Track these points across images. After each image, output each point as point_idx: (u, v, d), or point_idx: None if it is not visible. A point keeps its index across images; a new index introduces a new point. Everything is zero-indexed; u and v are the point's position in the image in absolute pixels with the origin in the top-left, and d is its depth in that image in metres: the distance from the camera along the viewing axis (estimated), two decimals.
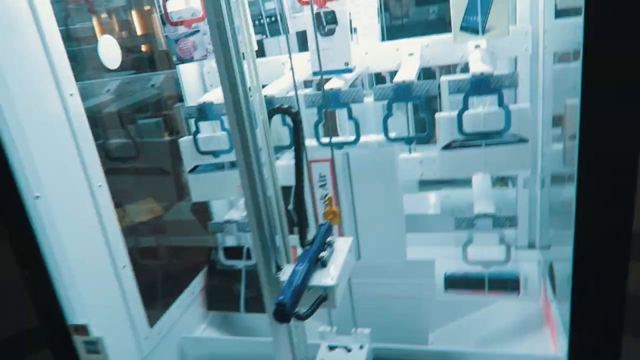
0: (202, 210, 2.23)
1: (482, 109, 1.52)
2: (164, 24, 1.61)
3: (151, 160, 2.03)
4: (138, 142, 1.93)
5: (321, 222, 1.36)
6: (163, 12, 1.57)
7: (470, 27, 1.42)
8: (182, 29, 1.62)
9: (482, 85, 1.41)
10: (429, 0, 3.32)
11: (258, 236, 1.16)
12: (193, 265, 2.14)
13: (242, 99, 1.06)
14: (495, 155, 1.51)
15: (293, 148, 1.21)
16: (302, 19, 2.24)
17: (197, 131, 1.72)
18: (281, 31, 2.20)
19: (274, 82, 1.73)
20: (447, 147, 1.55)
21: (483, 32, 1.41)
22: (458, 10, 1.41)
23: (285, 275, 1.17)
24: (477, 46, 1.66)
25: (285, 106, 1.17)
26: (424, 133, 1.57)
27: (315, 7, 1.50)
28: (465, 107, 1.46)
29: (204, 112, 1.66)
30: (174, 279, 2.11)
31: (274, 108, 1.17)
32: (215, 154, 1.74)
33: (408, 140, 1.56)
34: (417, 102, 1.49)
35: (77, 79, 1.84)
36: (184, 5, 1.58)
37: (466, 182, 2.40)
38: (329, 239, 1.25)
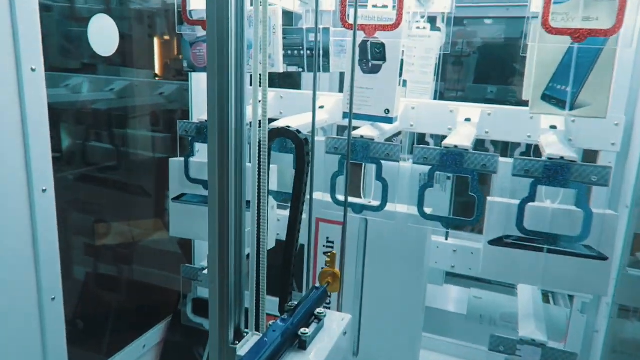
0: (186, 247, 1.90)
1: (550, 204, 1.17)
2: (180, 22, 1.34)
3: (134, 175, 1.72)
4: (122, 152, 1.63)
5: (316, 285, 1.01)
6: (181, 7, 1.31)
7: (554, 98, 1.09)
8: (201, 31, 1.35)
9: (561, 173, 1.06)
10: (489, 79, 3.08)
11: (218, 287, 0.85)
12: (155, 310, 1.78)
13: (233, 127, 0.79)
14: (559, 268, 1.14)
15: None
16: (347, 59, 1.98)
17: (192, 154, 1.42)
18: (318, 66, 1.96)
19: (296, 116, 1.42)
20: (496, 241, 1.18)
21: (571, 107, 1.07)
22: (543, 73, 1.08)
23: (244, 348, 0.84)
24: (553, 127, 1.32)
25: (288, 127, 0.87)
26: (467, 217, 1.21)
27: (361, 35, 1.20)
28: (531, 196, 1.10)
29: (203, 132, 1.36)
30: (128, 323, 1.74)
31: (275, 129, 0.89)
32: (207, 184, 1.42)
33: (447, 222, 1.20)
34: (468, 176, 1.15)
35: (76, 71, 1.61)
36: None
37: (502, 284, 2.01)
38: (319, 310, 0.91)
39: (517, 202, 1.14)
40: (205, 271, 1.57)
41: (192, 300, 1.65)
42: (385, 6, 1.21)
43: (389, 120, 1.24)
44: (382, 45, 1.19)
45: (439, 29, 1.77)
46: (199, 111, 1.61)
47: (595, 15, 1.01)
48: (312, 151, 1.10)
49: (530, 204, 1.11)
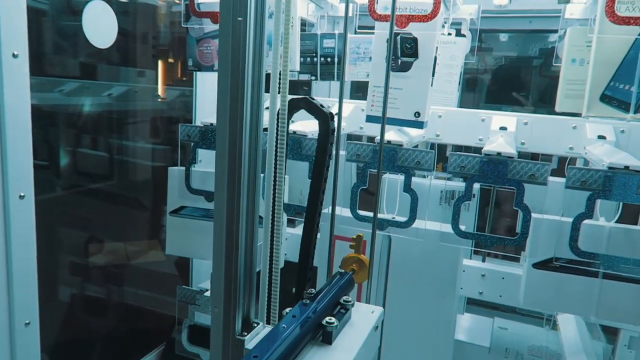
0: (183, 267, 1.73)
1: (605, 222, 1.02)
2: (187, 16, 1.21)
3: (130, 187, 1.56)
4: (117, 160, 1.47)
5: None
6: None
7: (616, 99, 0.95)
8: (209, 26, 1.21)
9: (625, 185, 0.91)
10: (503, 99, 2.98)
11: (224, 268, 0.71)
12: (146, 338, 1.60)
13: (248, 133, 0.68)
14: (617, 296, 0.98)
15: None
16: (363, 67, 1.86)
17: (194, 161, 1.27)
18: (332, 74, 1.83)
19: (308, 121, 1.28)
20: (542, 265, 1.03)
21: (636, 111, 0.93)
22: (603, 71, 0.95)
23: (254, 341, 0.70)
24: (602, 137, 1.18)
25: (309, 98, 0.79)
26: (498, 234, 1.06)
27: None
28: (588, 212, 0.95)
29: (207, 136, 1.21)
30: (114, 352, 1.56)
31: (295, 99, 0.79)
32: (209, 196, 1.27)
33: (488, 241, 1.04)
34: (513, 188, 1.00)
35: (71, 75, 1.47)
36: None
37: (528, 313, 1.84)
38: (345, 298, 0.76)
39: (569, 219, 0.99)
40: (207, 293, 1.40)
41: (188, 326, 1.47)
42: None
43: (419, 125, 1.10)
44: (414, 39, 1.05)
45: (463, 36, 1.65)
46: (203, 115, 1.46)
47: None
48: (336, 156, 0.96)
49: (587, 221, 0.96)
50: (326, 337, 0.69)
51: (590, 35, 1.01)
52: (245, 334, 0.71)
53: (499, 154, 0.99)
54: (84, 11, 1.07)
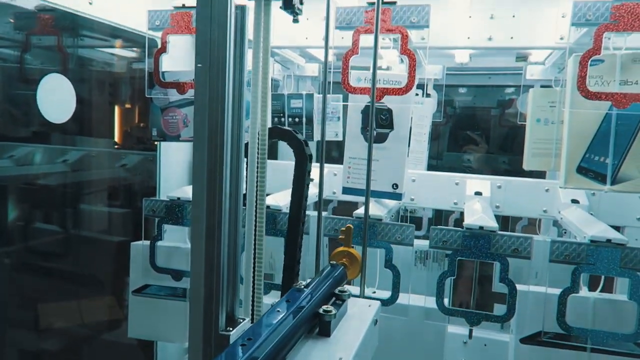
0: (147, 350, 1.60)
1: (588, 292, 1.01)
2: (150, 85, 1.16)
3: (86, 264, 1.45)
4: (73, 235, 1.37)
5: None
6: (152, 67, 1.13)
7: (592, 171, 0.95)
8: (173, 95, 1.16)
9: (608, 259, 0.90)
10: (460, 148, 3.06)
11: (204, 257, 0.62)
12: None
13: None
14: None
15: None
16: (332, 127, 1.84)
17: (159, 237, 1.18)
18: (304, 136, 1.80)
19: (283, 192, 1.23)
20: (530, 339, 0.99)
21: (612, 182, 0.94)
22: (578, 143, 0.95)
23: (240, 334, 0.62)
24: (575, 201, 1.19)
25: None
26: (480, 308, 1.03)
27: (363, 99, 1.05)
28: (574, 287, 0.93)
29: (174, 211, 1.14)
30: None
31: (275, 128, 0.79)
32: (177, 274, 1.19)
33: (474, 319, 1.00)
34: (497, 262, 0.97)
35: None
36: (186, 66, 1.14)
37: None
38: (340, 288, 0.71)
39: (556, 291, 0.96)
40: None
41: None
42: (388, 68, 1.08)
43: (397, 197, 1.07)
44: (389, 111, 1.04)
45: (429, 95, 1.66)
46: (168, 185, 1.39)
47: (635, 79, 0.90)
48: (318, 229, 0.92)
49: (573, 295, 0.94)
50: (324, 328, 0.61)
51: (561, 107, 1.02)
52: (231, 329, 0.63)
53: (481, 227, 0.97)
54: (39, 85, 1.00)
